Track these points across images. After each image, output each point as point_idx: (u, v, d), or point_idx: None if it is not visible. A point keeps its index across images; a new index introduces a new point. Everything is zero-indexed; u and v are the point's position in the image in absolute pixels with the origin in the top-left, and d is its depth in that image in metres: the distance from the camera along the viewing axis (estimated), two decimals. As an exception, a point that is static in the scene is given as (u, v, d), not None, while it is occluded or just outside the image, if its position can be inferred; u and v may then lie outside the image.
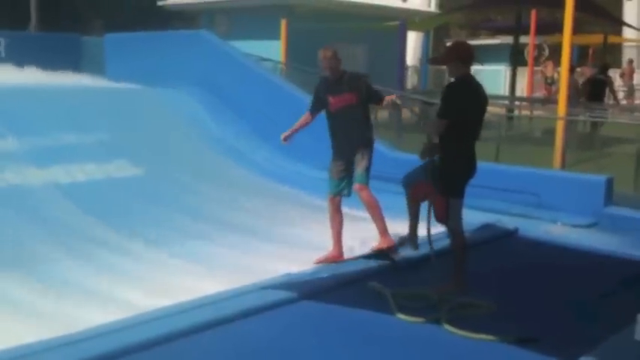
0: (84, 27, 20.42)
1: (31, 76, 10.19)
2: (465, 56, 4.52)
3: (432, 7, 22.18)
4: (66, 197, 7.19)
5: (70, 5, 24.19)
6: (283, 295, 4.42)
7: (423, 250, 5.02)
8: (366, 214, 5.61)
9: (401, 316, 4.15)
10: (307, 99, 10.11)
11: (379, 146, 9.12)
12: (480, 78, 4.79)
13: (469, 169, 4.60)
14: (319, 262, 5.56)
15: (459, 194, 4.62)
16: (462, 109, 4.38)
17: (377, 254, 5.34)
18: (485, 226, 6.38)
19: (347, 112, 5.41)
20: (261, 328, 4.00)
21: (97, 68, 11.57)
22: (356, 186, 5.45)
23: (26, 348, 3.51)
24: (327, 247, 6.36)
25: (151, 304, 4.55)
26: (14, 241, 6.03)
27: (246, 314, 4.09)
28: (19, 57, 10.94)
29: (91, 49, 12.30)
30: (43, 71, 10.49)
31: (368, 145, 5.50)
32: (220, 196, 8.15)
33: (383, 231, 5.44)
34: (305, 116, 5.80)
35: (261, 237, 6.88)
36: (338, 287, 4.69)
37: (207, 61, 11.06)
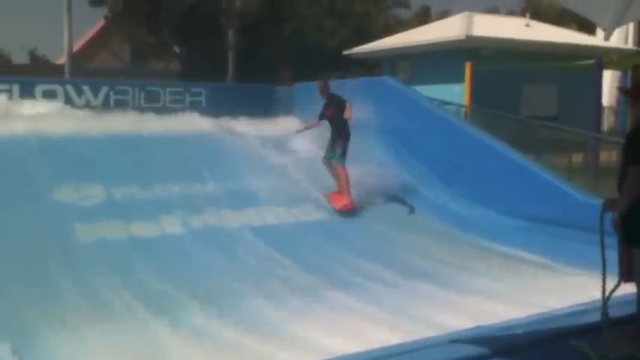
0: (274, 77, 21.64)
1: (232, 125, 10.80)
2: None
3: (630, 44, 20.69)
4: (258, 238, 7.57)
5: (263, 58, 25.84)
6: (473, 350, 4.16)
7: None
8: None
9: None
10: (492, 142, 9.88)
11: (571, 191, 8.60)
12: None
13: None
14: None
15: None
16: None
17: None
18: None
19: (332, 119, 9.19)
20: (450, 383, 3.80)
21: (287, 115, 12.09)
22: (337, 165, 9.02)
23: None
24: (516, 299, 6.02)
25: (339, 349, 4.54)
26: (213, 277, 6.43)
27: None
28: (218, 106, 11.79)
29: (282, 97, 12.96)
30: (248, 119, 10.99)
31: (342, 139, 9.08)
32: (404, 241, 8.08)
33: (345, 193, 8.85)
34: (313, 121, 9.44)
35: (445, 286, 6.67)
36: (534, 344, 4.34)
37: (390, 106, 11.15)
